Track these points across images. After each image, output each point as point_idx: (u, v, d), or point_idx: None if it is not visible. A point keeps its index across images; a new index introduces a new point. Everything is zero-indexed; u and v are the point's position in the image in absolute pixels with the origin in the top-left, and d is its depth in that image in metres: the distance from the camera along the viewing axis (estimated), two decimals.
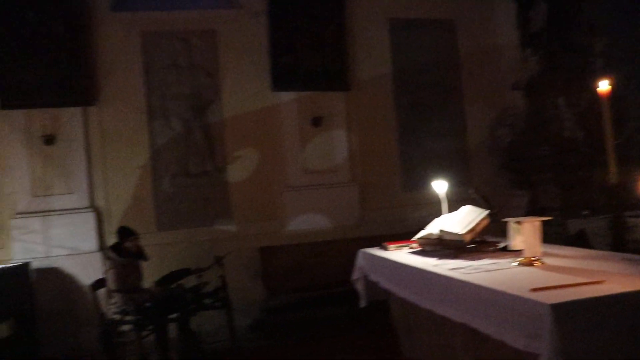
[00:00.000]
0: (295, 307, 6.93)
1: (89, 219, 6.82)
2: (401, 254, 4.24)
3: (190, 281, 5.76)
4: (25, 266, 6.22)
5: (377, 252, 4.52)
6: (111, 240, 6.59)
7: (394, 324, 4.72)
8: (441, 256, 3.84)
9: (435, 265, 3.55)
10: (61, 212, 6.74)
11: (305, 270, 7.04)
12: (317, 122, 7.45)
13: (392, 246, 4.51)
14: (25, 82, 6.62)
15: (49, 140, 6.76)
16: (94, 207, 6.90)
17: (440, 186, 4.60)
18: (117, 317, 5.58)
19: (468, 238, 3.92)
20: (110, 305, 5.75)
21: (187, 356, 5.58)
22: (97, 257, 6.70)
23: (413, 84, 7.92)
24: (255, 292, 7.04)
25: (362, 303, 4.76)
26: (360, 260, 4.74)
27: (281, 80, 7.27)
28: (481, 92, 8.11)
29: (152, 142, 7.14)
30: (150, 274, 6.04)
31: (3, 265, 5.83)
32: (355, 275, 4.77)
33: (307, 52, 7.32)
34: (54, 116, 6.81)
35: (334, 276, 6.79)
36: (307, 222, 7.32)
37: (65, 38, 6.73)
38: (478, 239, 4.03)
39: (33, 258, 6.50)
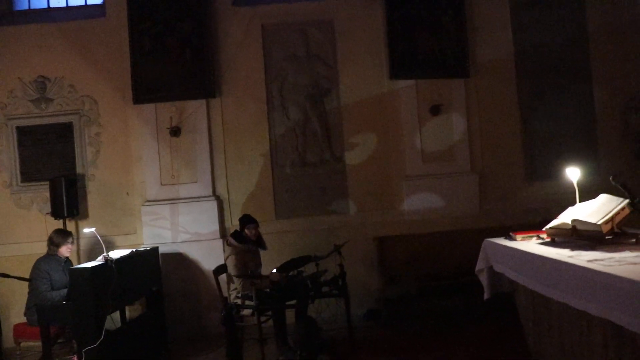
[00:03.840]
0: (412, 298, 6.81)
1: (212, 206, 7.09)
2: (530, 245, 4.01)
3: (309, 269, 5.81)
4: (154, 250, 6.57)
5: (503, 242, 4.30)
6: (232, 227, 6.84)
7: (521, 319, 4.48)
8: (575, 247, 3.59)
9: (571, 257, 3.31)
10: (186, 200, 7.07)
11: (423, 260, 6.91)
12: (435, 110, 7.25)
13: (519, 236, 4.27)
14: (154, 78, 7.01)
15: (175, 132, 7.09)
16: (216, 196, 7.17)
17: (572, 174, 4.30)
18: (237, 301, 5.75)
19: (606, 229, 3.62)
20: (232, 291, 5.94)
21: (304, 342, 5.63)
22: (219, 244, 6.95)
23: (537, 66, 7.49)
24: (371, 281, 7.02)
25: (486, 295, 4.57)
26: (485, 251, 4.54)
27: (399, 67, 7.15)
28: (612, 73, 7.51)
29: (271, 132, 7.30)
30: (268, 261, 6.18)
31: (136, 249, 6.17)
32: (479, 266, 4.58)
33: (425, 38, 7.15)
34: (179, 109, 7.13)
35: (453, 267, 6.65)
36: (425, 212, 7.16)
37: (191, 35, 7.03)
38: (617, 230, 3.71)
39: (161, 243, 6.86)
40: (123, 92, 7.11)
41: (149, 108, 7.09)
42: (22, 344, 6.02)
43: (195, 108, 7.14)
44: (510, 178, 7.37)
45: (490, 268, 4.43)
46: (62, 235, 5.98)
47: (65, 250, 5.91)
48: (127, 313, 6.41)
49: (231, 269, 5.84)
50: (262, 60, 7.31)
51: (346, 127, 7.33)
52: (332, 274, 5.85)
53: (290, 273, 5.77)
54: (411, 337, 6.13)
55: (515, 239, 4.27)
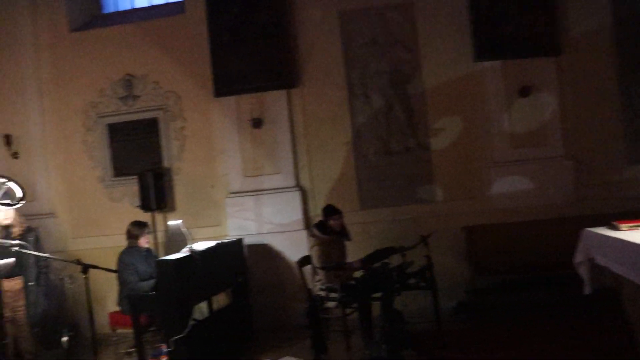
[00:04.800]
0: (502, 290, 6.52)
1: (295, 197, 7.06)
2: (638, 235, 3.65)
3: (394, 260, 5.64)
4: (239, 242, 6.62)
5: (606, 232, 3.96)
6: (315, 218, 6.77)
7: (627, 317, 4.11)
8: None
9: None
10: (270, 191, 7.07)
11: (514, 251, 6.54)
12: (524, 91, 6.84)
13: (624, 225, 3.91)
14: (235, 71, 7.03)
15: (257, 123, 7.10)
16: (299, 186, 7.13)
17: None
18: (322, 293, 5.68)
19: None
20: (316, 282, 5.88)
21: (390, 335, 5.48)
22: (303, 235, 6.91)
23: (639, 37, 6.85)
24: (459, 272, 6.75)
25: (586, 290, 4.24)
26: (584, 241, 4.20)
27: (484, 49, 6.78)
28: None
29: (353, 120, 7.15)
30: (353, 252, 6.07)
31: (221, 240, 6.25)
32: (578, 257, 4.25)
33: (511, 15, 6.71)
34: (260, 100, 7.13)
35: (547, 258, 6.26)
36: (515, 200, 6.78)
37: (269, 25, 6.99)
38: None
39: (246, 234, 6.90)
40: (205, 86, 7.19)
41: (230, 100, 7.14)
42: (117, 331, 6.28)
43: (276, 99, 7.12)
44: (609, 161, 6.82)
45: (591, 260, 4.09)
46: (139, 226, 6.15)
47: (143, 241, 6.07)
48: (214, 304, 6.50)
49: (315, 260, 5.77)
50: (341, 47, 7.17)
51: (430, 113, 7.06)
52: (419, 265, 5.66)
53: (375, 265, 5.63)
54: (502, 331, 5.84)
55: (619, 229, 3.91)
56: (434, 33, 7.02)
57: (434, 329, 5.63)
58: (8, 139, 7.40)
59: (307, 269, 6.05)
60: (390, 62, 7.14)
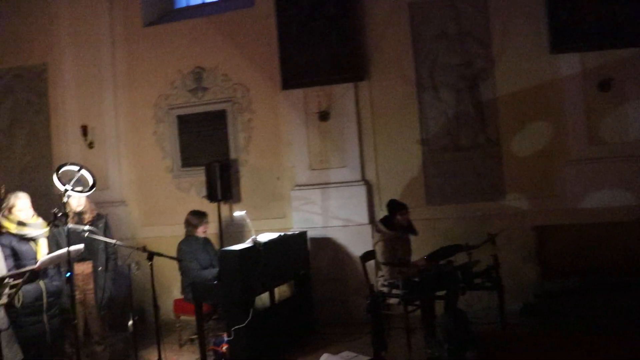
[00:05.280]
0: (574, 293, 6.19)
1: (361, 191, 6.98)
2: None
3: (460, 258, 5.48)
4: (303, 234, 6.62)
5: None
6: (380, 213, 6.68)
7: None
8: None
9: None
10: (335, 185, 7.03)
11: (589, 253, 6.22)
12: (605, 85, 6.46)
13: None
14: (302, 64, 7.01)
15: (324, 116, 7.07)
16: (365, 180, 7.05)
17: None
18: (385, 289, 5.60)
19: None
20: (379, 278, 5.80)
21: (453, 335, 5.33)
22: (368, 230, 6.83)
23: None
24: (528, 274, 6.50)
25: None
26: None
27: (561, 40, 6.45)
28: None
29: (421, 114, 7.00)
30: (417, 249, 5.95)
31: (284, 233, 6.26)
32: None
33: (593, 4, 6.37)
34: (327, 93, 7.09)
35: (626, 262, 5.92)
36: (592, 200, 6.43)
37: (336, 18, 6.93)
38: None
39: (310, 227, 6.89)
40: (272, 79, 7.22)
41: (297, 93, 7.14)
42: (180, 318, 6.43)
43: (343, 92, 7.06)
44: None
45: None
46: (198, 216, 6.26)
47: (201, 231, 6.17)
48: (276, 295, 6.54)
49: (379, 256, 5.70)
50: (410, 40, 7.02)
51: (502, 108, 6.80)
52: (485, 264, 5.48)
53: (440, 262, 5.50)
54: (571, 338, 5.55)
55: None
56: (507, 24, 6.76)
57: (498, 331, 5.45)
58: (85, 130, 7.68)
59: (371, 264, 5.98)
60: (460, 55, 6.93)
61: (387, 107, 7.06)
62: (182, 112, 7.65)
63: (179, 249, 6.03)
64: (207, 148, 7.51)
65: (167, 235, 6.98)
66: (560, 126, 6.64)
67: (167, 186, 7.67)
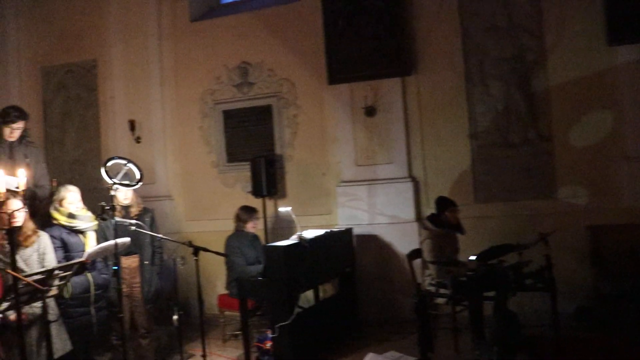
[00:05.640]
0: (630, 296, 5.91)
1: (407, 188, 6.86)
2: None
3: (510, 258, 5.30)
4: (349, 231, 6.53)
5: None
6: (427, 210, 6.55)
7: None
8: None
9: None
10: (382, 182, 6.92)
11: None
12: None
13: None
14: (349, 58, 6.91)
15: (370, 111, 6.97)
16: (412, 177, 6.91)
17: None
18: (432, 288, 5.47)
19: None
20: (426, 277, 5.67)
21: (502, 337, 5.15)
22: (414, 227, 6.71)
23: None
24: (582, 275, 6.27)
25: None
26: None
27: (619, 31, 6.16)
28: None
29: (470, 109, 6.83)
30: (465, 248, 5.79)
31: (330, 229, 6.19)
32: None
33: None
34: (374, 88, 6.98)
35: None
36: None
37: (384, 11, 6.80)
38: None
39: (355, 224, 6.79)
40: (318, 73, 7.14)
41: (343, 88, 7.05)
42: (225, 313, 6.44)
43: (390, 86, 6.94)
44: None
45: None
46: (248, 211, 6.27)
47: (250, 226, 6.16)
48: (320, 292, 6.47)
49: (426, 254, 5.57)
50: (459, 33, 6.85)
51: (555, 103, 6.56)
52: (537, 265, 5.28)
53: (490, 262, 5.32)
54: (627, 341, 5.31)
55: None
56: (561, 16, 6.52)
57: (550, 334, 5.24)
58: (132, 124, 7.77)
59: (417, 262, 5.85)
60: (512, 48, 6.73)
61: (435, 102, 6.91)
62: (227, 107, 7.66)
63: (227, 244, 6.05)
64: (253, 143, 7.50)
65: (212, 230, 7.02)
66: (616, 120, 6.37)
67: (213, 181, 7.70)
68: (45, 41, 8.34)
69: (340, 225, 6.87)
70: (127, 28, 7.94)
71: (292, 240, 5.48)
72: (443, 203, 5.72)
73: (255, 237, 6.25)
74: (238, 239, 6.09)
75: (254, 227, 6.23)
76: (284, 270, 5.20)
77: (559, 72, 6.53)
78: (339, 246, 6.29)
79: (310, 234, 5.71)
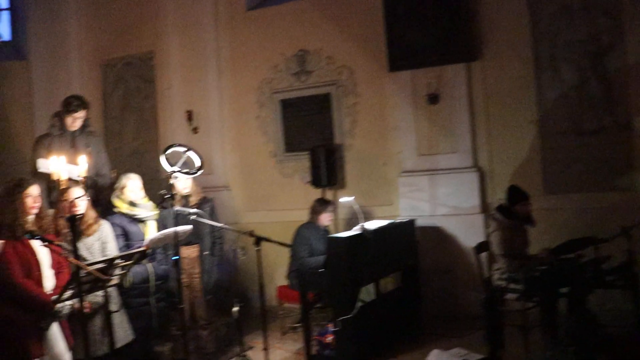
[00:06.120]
0: None
1: (472, 178, 6.56)
2: None
3: (587, 253, 4.96)
4: (411, 223, 6.29)
5: None
6: (494, 201, 6.25)
7: None
8: None
9: None
10: (445, 172, 6.65)
11: None
12: None
13: None
14: (410, 44, 6.62)
15: (433, 99, 6.69)
16: (477, 167, 6.61)
17: None
18: (501, 283, 5.19)
19: None
20: (494, 271, 5.39)
21: (578, 338, 4.84)
22: (479, 219, 6.42)
23: None
24: None
25: None
26: None
27: None
28: None
29: (539, 96, 6.44)
30: (535, 242, 5.48)
31: (392, 221, 5.97)
32: None
33: None
34: (437, 75, 6.69)
35: None
36: None
37: None
38: None
39: (417, 215, 6.54)
40: (379, 60, 6.89)
41: (405, 75, 6.78)
42: (284, 305, 6.32)
43: (454, 73, 6.63)
44: None
45: None
46: (322, 204, 6.17)
47: (324, 219, 6.04)
48: (382, 286, 6.25)
49: (496, 247, 5.28)
50: (527, 15, 6.46)
51: (634, 88, 6.12)
52: (618, 260, 4.93)
53: (566, 256, 5.00)
54: None
55: None
56: None
57: (632, 335, 4.88)
58: (190, 115, 7.74)
59: (485, 255, 5.57)
60: (585, 30, 6.30)
61: (501, 89, 6.57)
62: (285, 96, 7.52)
63: (296, 232, 5.99)
64: (311, 132, 7.33)
65: (270, 220, 6.91)
66: None
67: (270, 171, 7.58)
68: (104, 35, 8.40)
69: (401, 216, 6.64)
70: (184, 18, 7.89)
71: (355, 231, 5.29)
72: (515, 195, 5.41)
73: (326, 231, 6.12)
74: (308, 229, 6.00)
75: (329, 219, 6.10)
76: (346, 262, 5.03)
77: (637, 55, 6.09)
78: (401, 238, 6.05)
79: (372, 225, 5.51)
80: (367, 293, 5.61)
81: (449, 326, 6.09)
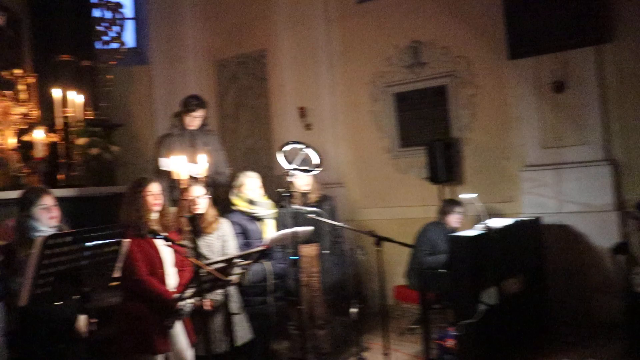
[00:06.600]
0: None
1: (604, 172, 6.02)
2: None
3: None
4: (535, 221, 5.88)
5: None
6: (631, 197, 5.70)
7: None
8: None
9: None
10: (573, 165, 6.15)
11: None
12: None
13: None
14: (532, 29, 6.21)
15: (559, 87, 6.21)
16: (610, 160, 6.06)
17: None
18: None
19: None
20: (634, 274, 4.89)
21: None
22: (613, 217, 5.88)
23: None
24: None
25: None
26: None
27: None
28: None
29: None
30: None
31: (515, 219, 5.60)
32: None
33: None
34: (562, 60, 6.21)
35: None
36: None
37: None
38: None
39: (543, 213, 6.11)
40: (498, 48, 6.50)
41: (527, 62, 6.35)
42: (401, 305, 6.13)
43: (582, 58, 6.11)
44: None
45: None
46: (450, 204, 5.95)
47: (452, 220, 5.79)
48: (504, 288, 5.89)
49: (637, 249, 4.79)
50: None
51: None
52: None
53: None
54: None
55: None
56: None
57: None
58: (302, 111, 7.71)
59: (622, 258, 5.08)
60: None
61: (638, 73, 5.97)
62: (399, 89, 7.29)
63: (421, 230, 5.81)
64: (427, 126, 7.05)
65: (386, 218, 6.73)
66: None
67: (385, 167, 7.38)
68: (218, 36, 8.58)
69: (524, 214, 6.22)
70: (295, 15, 7.88)
71: (478, 230, 5.00)
72: None
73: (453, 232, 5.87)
74: (433, 227, 5.79)
75: (457, 221, 5.84)
76: (469, 262, 4.77)
77: None
78: (526, 238, 5.67)
79: (496, 223, 5.18)
80: (489, 296, 5.29)
81: (580, 334, 5.61)
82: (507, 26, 6.34)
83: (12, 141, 6.05)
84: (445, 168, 6.49)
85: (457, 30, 6.87)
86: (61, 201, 4.11)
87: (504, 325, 5.14)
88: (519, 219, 5.62)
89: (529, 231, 5.72)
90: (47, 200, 3.91)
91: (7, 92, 6.14)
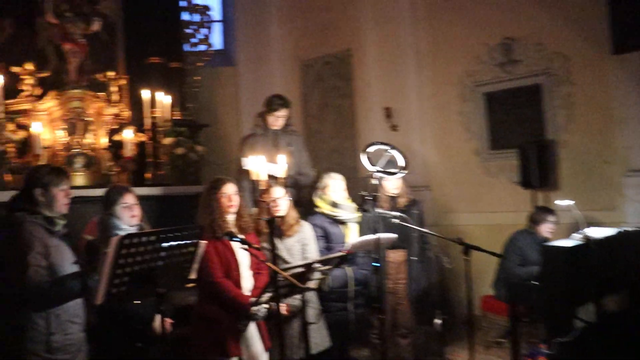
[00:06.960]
0: None
1: None
2: None
3: None
4: None
5: None
6: None
7: None
8: None
9: None
10: None
11: None
12: None
13: None
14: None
15: None
16: None
17: None
18: None
19: None
20: None
21: None
22: None
23: None
24: None
25: None
26: None
27: None
28: None
29: None
30: None
31: (617, 229, 5.13)
32: None
33: None
34: None
35: None
36: None
37: None
38: None
39: None
40: (598, 43, 6.05)
41: (634, 58, 5.86)
42: (487, 316, 5.83)
43: None
44: None
45: None
46: (542, 212, 5.61)
47: (544, 229, 5.44)
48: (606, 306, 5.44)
49: None
50: None
51: None
52: None
53: None
54: None
55: None
56: None
57: None
58: (388, 112, 7.51)
59: None
60: None
61: None
62: (489, 89, 6.95)
63: (510, 238, 5.52)
64: (519, 128, 6.67)
65: (474, 223, 6.44)
66: None
67: (473, 170, 7.06)
68: (304, 37, 8.53)
69: (628, 223, 5.73)
70: (380, 13, 7.69)
71: (575, 240, 4.62)
72: None
73: (545, 242, 5.51)
74: (523, 237, 5.48)
75: (549, 231, 5.49)
76: (564, 275, 4.39)
77: None
78: (630, 250, 5.18)
79: (596, 233, 4.78)
80: (586, 312, 4.88)
81: None
82: (610, 17, 5.90)
83: (104, 141, 6.26)
84: (538, 172, 6.10)
85: (552, 24, 6.46)
86: (146, 200, 4.16)
87: (604, 347, 4.71)
88: (622, 229, 5.16)
89: (633, 243, 5.24)
90: (129, 199, 3.95)
91: (100, 94, 6.34)
